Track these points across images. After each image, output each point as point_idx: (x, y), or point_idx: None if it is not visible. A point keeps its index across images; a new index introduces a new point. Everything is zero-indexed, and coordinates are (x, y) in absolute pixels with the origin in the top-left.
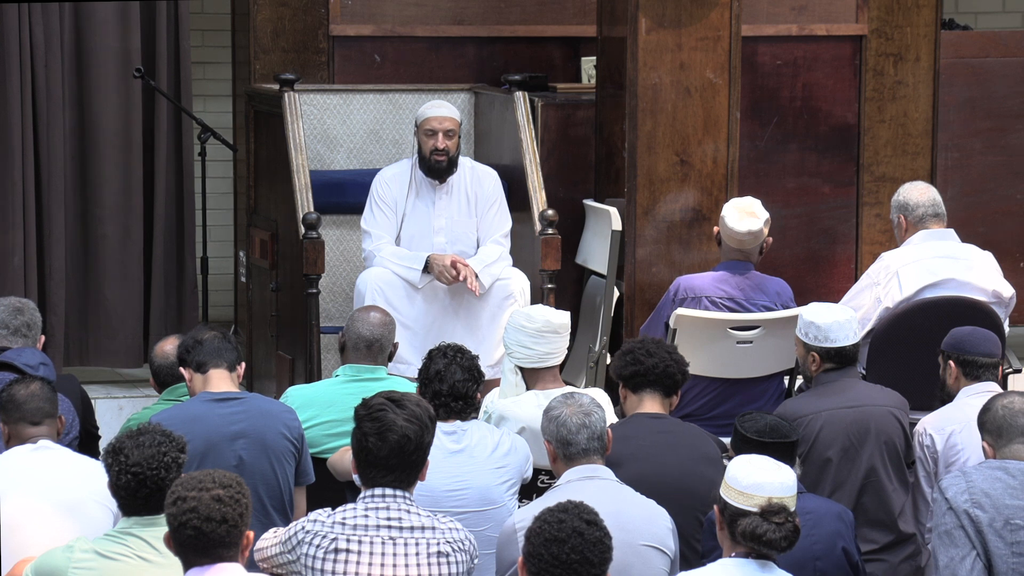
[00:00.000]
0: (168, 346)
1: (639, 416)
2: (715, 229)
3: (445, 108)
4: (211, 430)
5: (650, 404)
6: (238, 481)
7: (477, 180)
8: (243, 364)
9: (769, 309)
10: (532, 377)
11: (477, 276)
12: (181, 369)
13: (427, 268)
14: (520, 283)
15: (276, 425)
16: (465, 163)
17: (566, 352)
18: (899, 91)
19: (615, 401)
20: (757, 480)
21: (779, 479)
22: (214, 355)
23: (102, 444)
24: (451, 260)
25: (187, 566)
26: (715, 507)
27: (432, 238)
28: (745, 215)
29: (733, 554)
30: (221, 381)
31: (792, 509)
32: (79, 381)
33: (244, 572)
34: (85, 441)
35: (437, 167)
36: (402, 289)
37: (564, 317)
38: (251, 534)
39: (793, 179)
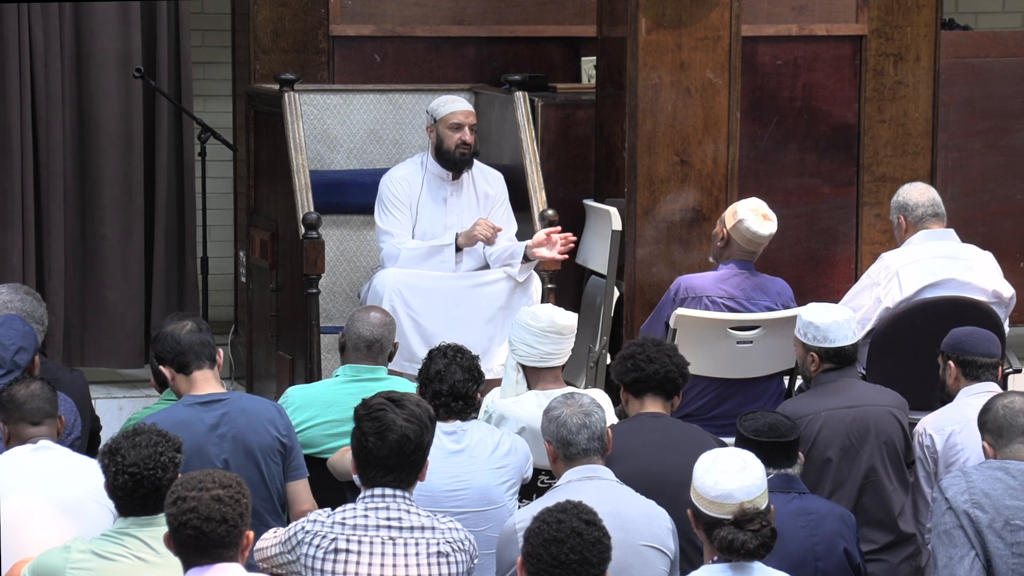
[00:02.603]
0: None
1: (641, 416)
2: (721, 230)
3: (466, 103)
4: (196, 435)
5: (652, 407)
6: (238, 481)
7: (485, 180)
8: (220, 352)
9: (770, 309)
10: (534, 376)
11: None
12: (161, 367)
13: (458, 246)
14: (534, 282)
15: (259, 424)
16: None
17: (569, 355)
18: (899, 91)
19: (615, 401)
20: (726, 488)
21: (747, 482)
22: (196, 355)
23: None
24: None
25: (187, 566)
26: (688, 511)
27: (443, 235)
28: (763, 218)
29: (715, 558)
30: (206, 383)
31: (764, 507)
32: (86, 379)
33: (244, 572)
34: (90, 440)
35: (461, 160)
36: (421, 289)
37: (570, 319)
38: (251, 534)
39: (793, 179)
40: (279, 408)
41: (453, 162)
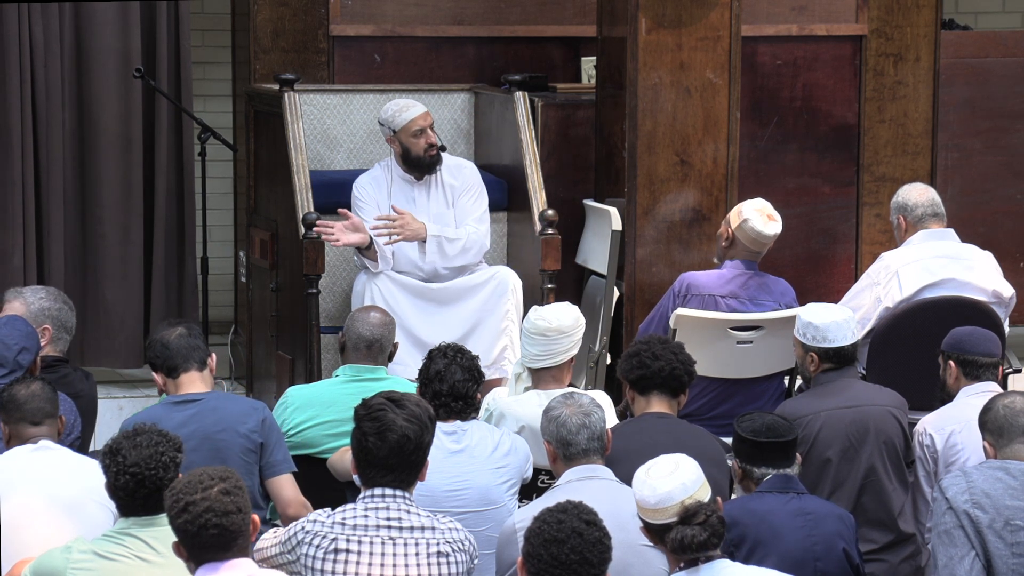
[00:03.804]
0: None
1: (647, 416)
2: (726, 230)
3: (419, 105)
4: None
5: (657, 405)
6: (229, 470)
7: (451, 173)
8: (213, 356)
9: (774, 310)
10: (535, 376)
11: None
12: (153, 374)
13: (366, 251)
14: (512, 281)
15: (227, 424)
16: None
17: (566, 358)
18: (899, 91)
19: (616, 401)
20: (663, 491)
21: (681, 480)
22: (183, 358)
23: (101, 443)
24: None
25: (198, 563)
26: (641, 529)
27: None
28: (768, 219)
29: (681, 565)
30: (191, 384)
31: (707, 499)
32: (95, 380)
33: (254, 565)
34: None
35: (431, 162)
36: (396, 290)
37: (558, 321)
38: (256, 518)
39: (793, 179)
40: (255, 406)
41: (425, 166)
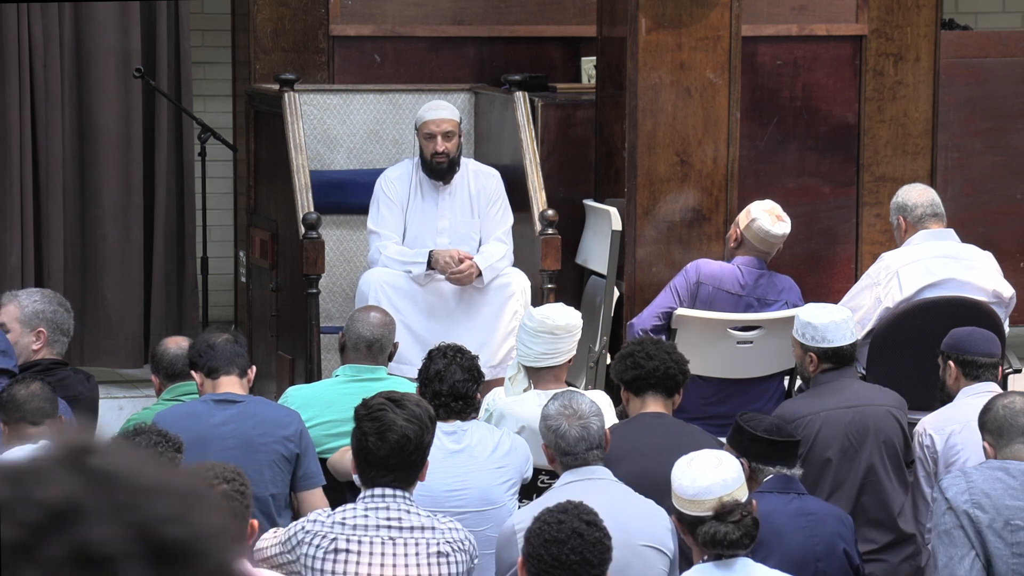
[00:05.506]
0: (172, 345)
1: (643, 416)
2: (735, 231)
3: (443, 110)
4: (205, 428)
5: (653, 405)
6: (238, 472)
7: (479, 180)
8: (253, 368)
9: (783, 308)
10: (535, 375)
11: (480, 274)
12: (192, 372)
13: (430, 264)
14: (521, 283)
15: (268, 430)
16: (468, 164)
17: (569, 356)
18: (899, 91)
19: (616, 402)
20: (703, 485)
21: (723, 476)
22: (227, 362)
23: None
24: (456, 253)
25: None
26: (672, 516)
27: (436, 239)
28: (776, 219)
29: (704, 558)
30: (230, 387)
31: (744, 499)
32: (96, 381)
33: (248, 567)
34: None
35: (439, 168)
36: (405, 290)
37: (564, 319)
38: (255, 523)
39: (793, 179)
40: (292, 415)
41: (431, 170)
